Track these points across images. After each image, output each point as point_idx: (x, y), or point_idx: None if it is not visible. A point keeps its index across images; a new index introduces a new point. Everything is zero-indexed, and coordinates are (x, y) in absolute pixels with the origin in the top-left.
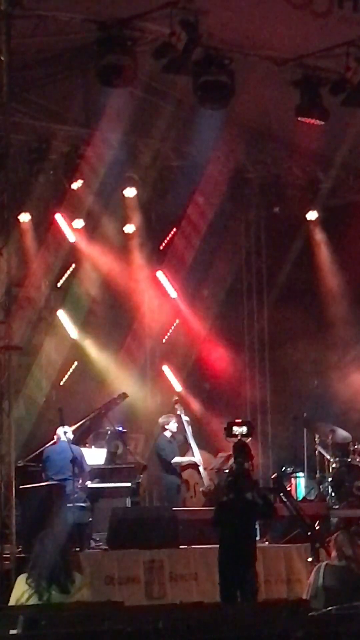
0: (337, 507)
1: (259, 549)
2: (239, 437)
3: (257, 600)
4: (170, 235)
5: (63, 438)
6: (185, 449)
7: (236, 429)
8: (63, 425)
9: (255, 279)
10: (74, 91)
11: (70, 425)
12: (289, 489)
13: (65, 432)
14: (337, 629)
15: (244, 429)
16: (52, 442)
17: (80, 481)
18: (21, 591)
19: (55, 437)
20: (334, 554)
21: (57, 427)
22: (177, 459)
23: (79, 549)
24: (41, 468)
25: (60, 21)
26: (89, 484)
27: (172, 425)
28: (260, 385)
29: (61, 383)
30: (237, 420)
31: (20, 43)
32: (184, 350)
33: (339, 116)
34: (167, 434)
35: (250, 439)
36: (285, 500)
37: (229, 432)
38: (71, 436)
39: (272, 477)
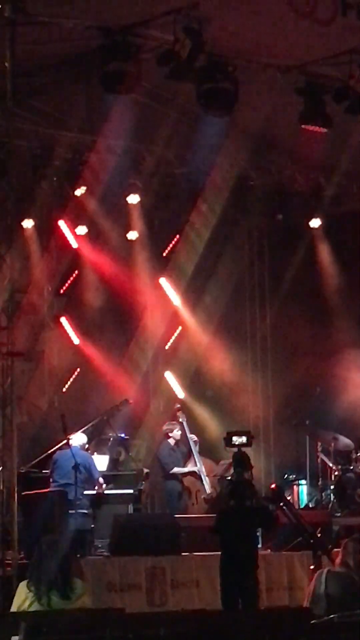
0: (339, 514)
1: (260, 557)
2: (239, 447)
3: (258, 607)
4: (173, 242)
5: (74, 444)
6: (187, 457)
7: (236, 439)
8: (66, 431)
9: (258, 286)
10: (77, 98)
11: (72, 432)
12: (290, 497)
13: (70, 438)
14: (338, 636)
15: (244, 439)
16: (60, 444)
17: (98, 488)
18: (23, 597)
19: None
20: (338, 560)
21: (64, 433)
22: (176, 470)
23: (80, 555)
24: (50, 470)
25: (64, 28)
26: (104, 487)
27: (176, 434)
28: (263, 392)
29: (64, 389)
30: (236, 430)
31: (24, 49)
32: (187, 357)
33: (342, 124)
34: (171, 441)
35: (249, 448)
36: (286, 510)
37: (228, 442)
38: (82, 442)
39: (271, 487)
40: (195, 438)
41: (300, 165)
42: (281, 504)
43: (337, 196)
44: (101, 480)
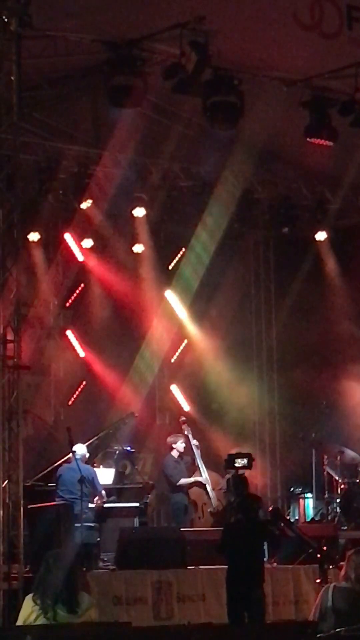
0: (345, 528)
1: (267, 570)
2: (239, 469)
3: (264, 621)
4: (179, 255)
5: (77, 456)
6: (193, 470)
7: (238, 461)
8: (71, 444)
9: (263, 299)
10: (83, 111)
11: None
12: (290, 511)
13: (74, 452)
14: None
15: (245, 461)
16: (65, 458)
17: (98, 500)
18: (29, 611)
19: (71, 455)
20: (342, 574)
21: (70, 446)
22: (183, 481)
23: (86, 568)
24: (55, 486)
25: (70, 42)
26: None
27: (180, 445)
28: (269, 405)
29: (70, 402)
30: (238, 452)
31: (30, 63)
32: (193, 370)
33: (347, 137)
34: (175, 453)
35: (249, 470)
36: (287, 529)
37: (229, 464)
38: (82, 454)
39: (269, 509)
40: (197, 442)
41: (306, 178)
42: (282, 524)
43: (343, 209)
44: (103, 492)
